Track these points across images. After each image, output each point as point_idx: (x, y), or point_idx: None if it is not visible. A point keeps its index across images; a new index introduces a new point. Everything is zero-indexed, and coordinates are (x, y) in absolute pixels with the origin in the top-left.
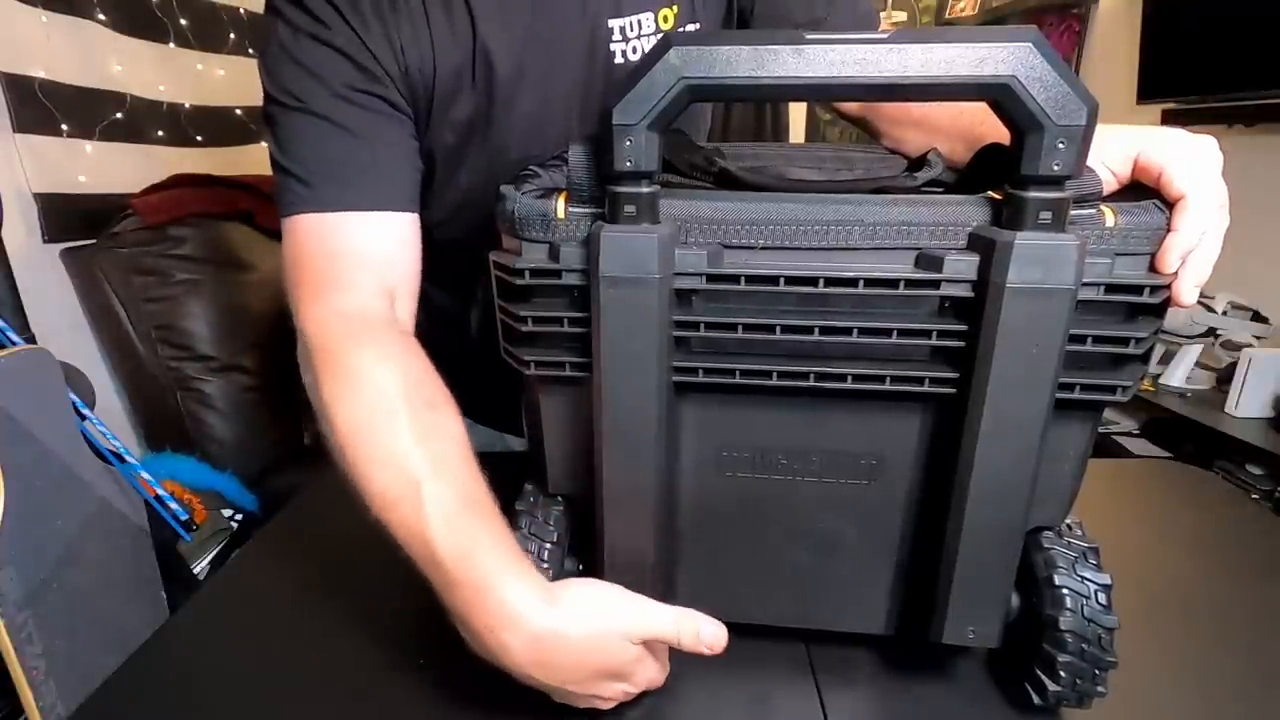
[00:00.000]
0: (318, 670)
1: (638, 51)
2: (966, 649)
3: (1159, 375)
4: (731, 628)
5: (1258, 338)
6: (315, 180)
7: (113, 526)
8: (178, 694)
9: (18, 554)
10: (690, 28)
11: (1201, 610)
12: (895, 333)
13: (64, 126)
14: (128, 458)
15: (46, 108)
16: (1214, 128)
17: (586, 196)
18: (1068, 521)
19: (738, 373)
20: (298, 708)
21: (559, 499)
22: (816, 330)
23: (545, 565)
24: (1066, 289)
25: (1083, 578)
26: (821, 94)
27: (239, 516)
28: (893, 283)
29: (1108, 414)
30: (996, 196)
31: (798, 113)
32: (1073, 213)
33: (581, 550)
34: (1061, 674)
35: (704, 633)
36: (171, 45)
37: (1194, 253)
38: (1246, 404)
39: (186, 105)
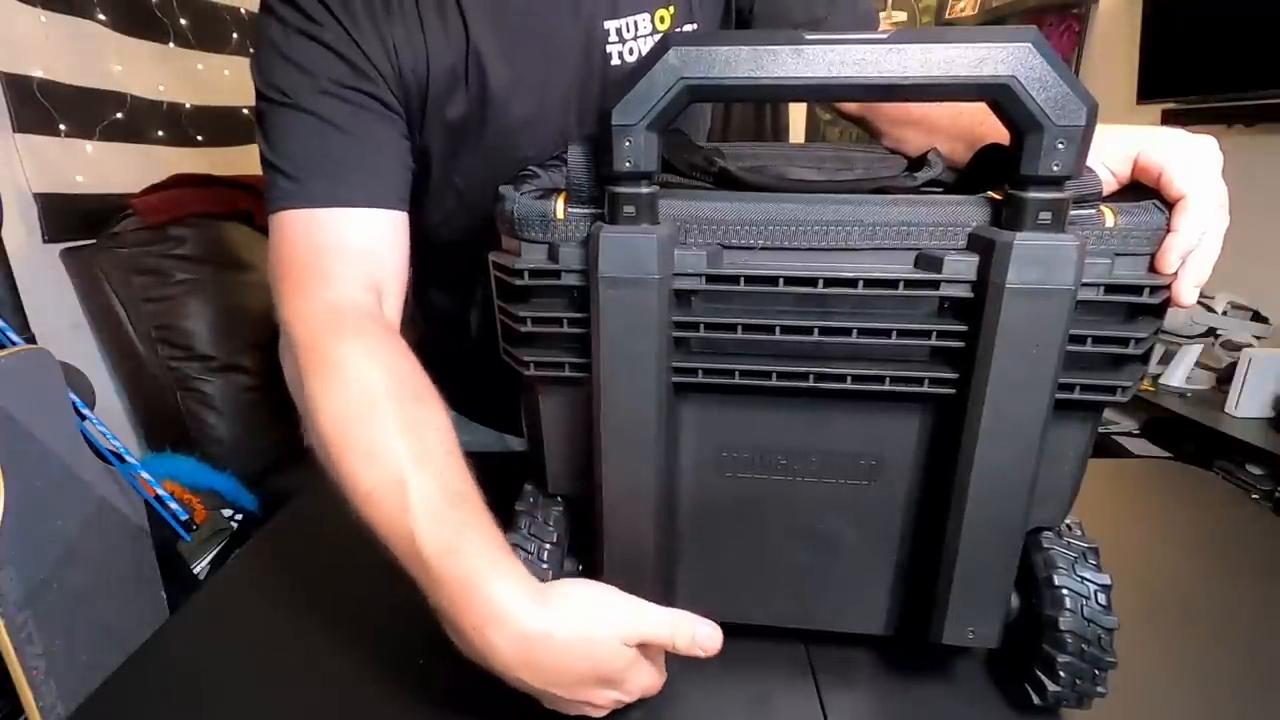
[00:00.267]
0: (318, 670)
1: (634, 53)
2: (966, 649)
3: (1159, 375)
4: (731, 628)
5: (1258, 338)
6: (303, 175)
7: (113, 526)
8: (178, 694)
9: (18, 554)
10: (687, 28)
11: (1201, 610)
12: (895, 333)
13: (63, 126)
14: (128, 458)
15: (46, 108)
16: (1214, 128)
17: (586, 197)
18: (1067, 522)
19: (737, 373)
20: (298, 707)
21: (559, 499)
22: (816, 331)
23: (545, 565)
24: (1066, 289)
25: (1082, 578)
26: (821, 94)
27: (239, 516)
28: (892, 283)
29: (1108, 414)
30: (996, 197)
31: (798, 113)
32: (1072, 213)
33: (581, 550)
34: (1061, 674)
35: (700, 635)
36: (171, 45)
37: (1194, 253)
38: (1246, 404)
39: (186, 105)
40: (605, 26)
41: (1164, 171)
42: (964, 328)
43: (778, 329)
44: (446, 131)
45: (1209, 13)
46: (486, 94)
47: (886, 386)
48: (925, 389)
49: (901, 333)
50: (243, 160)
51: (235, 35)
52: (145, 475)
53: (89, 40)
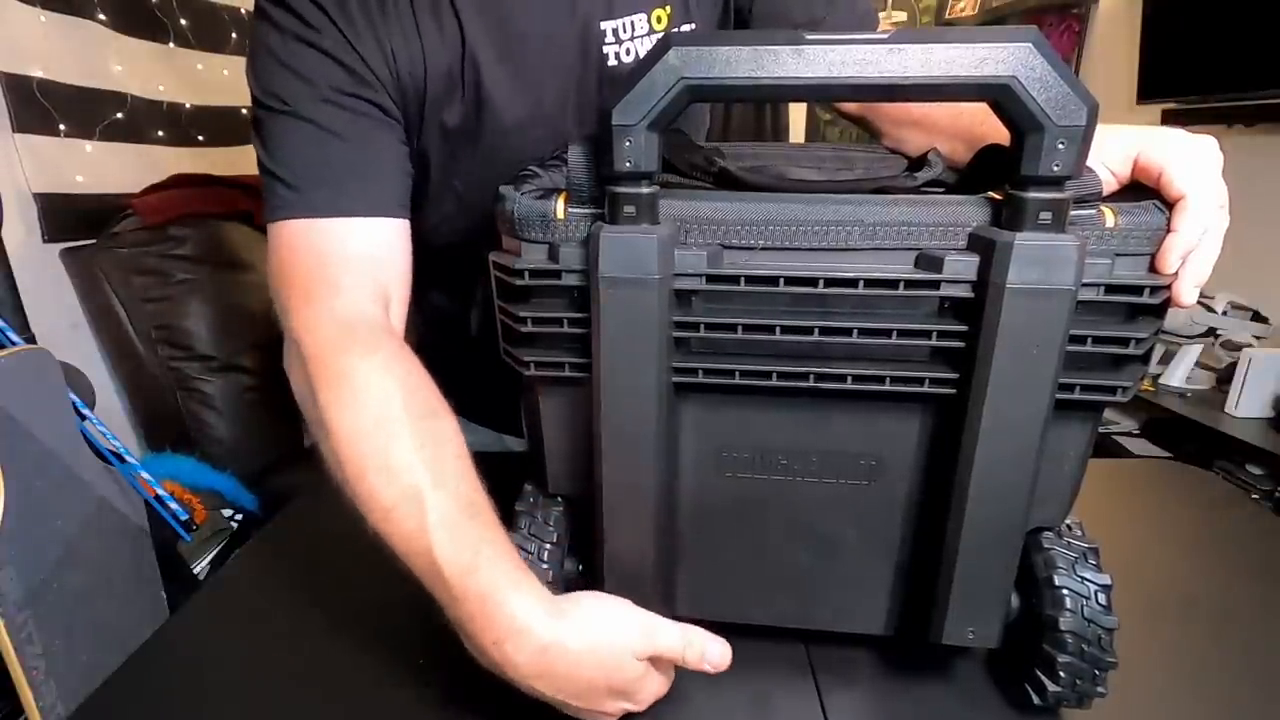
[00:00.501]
0: (318, 670)
1: (631, 53)
2: (966, 649)
3: (1159, 375)
4: (731, 628)
5: (1258, 338)
6: (303, 184)
7: (113, 526)
8: (178, 694)
9: (18, 554)
10: (685, 28)
11: (1201, 610)
12: (895, 333)
13: (63, 126)
14: (128, 458)
15: (46, 107)
16: (1214, 128)
17: (586, 197)
18: (1067, 522)
19: (737, 373)
20: (298, 707)
21: (559, 499)
22: (816, 331)
23: (545, 565)
24: (1066, 289)
25: (1082, 578)
26: (821, 94)
27: (239, 516)
28: (892, 283)
29: (1108, 414)
30: (996, 197)
31: (798, 113)
32: (1073, 213)
33: (581, 550)
34: (1061, 674)
35: (709, 652)
36: (171, 45)
37: (1194, 253)
38: (1246, 404)
39: (186, 105)
40: (602, 27)
41: (1164, 171)
42: (964, 328)
43: (778, 329)
44: (444, 134)
45: (1209, 13)
46: (483, 96)
47: (887, 386)
48: (925, 389)
49: (902, 333)
50: (243, 160)
51: (235, 35)
52: (145, 475)
53: (89, 40)
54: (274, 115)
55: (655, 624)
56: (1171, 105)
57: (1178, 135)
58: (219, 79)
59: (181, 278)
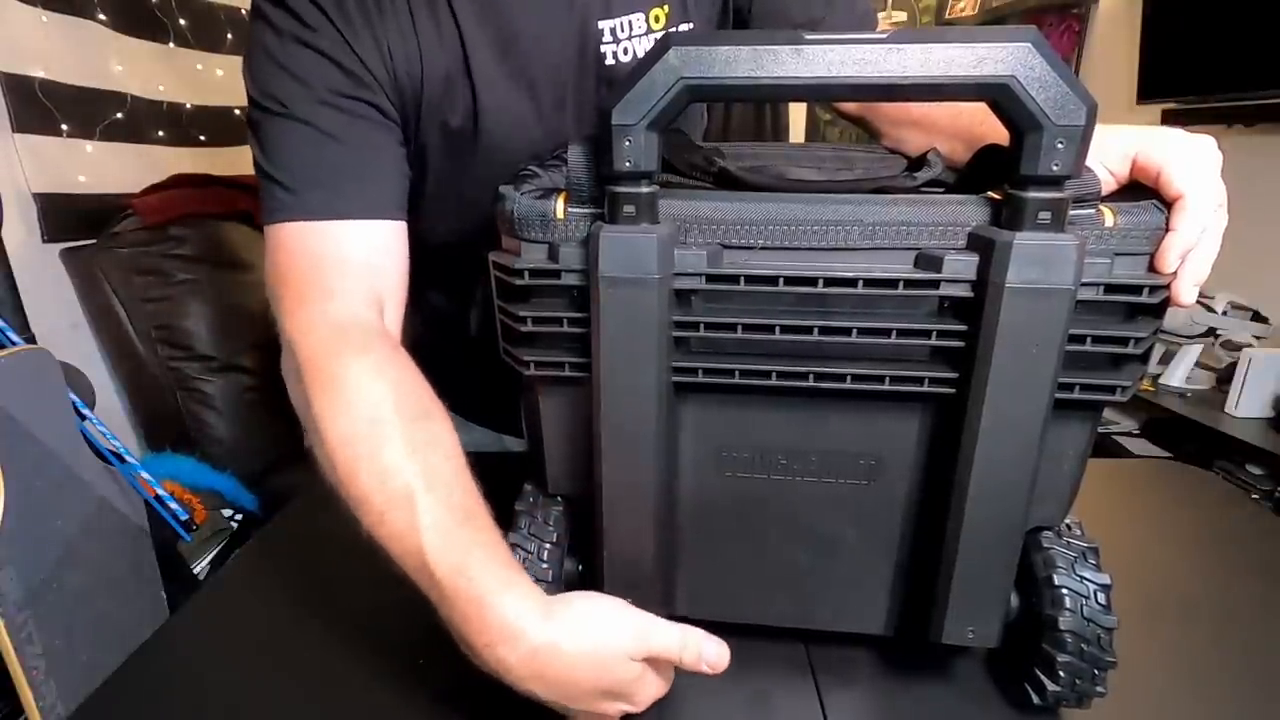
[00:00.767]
0: (317, 670)
1: (629, 53)
2: (966, 649)
3: (1159, 375)
4: (731, 628)
5: (1258, 338)
6: (300, 187)
7: (113, 526)
8: (178, 694)
9: (18, 554)
10: (683, 28)
11: (1201, 610)
12: (894, 333)
13: (64, 126)
14: (128, 458)
15: (46, 107)
16: (1214, 128)
17: (586, 196)
18: (1067, 521)
19: (737, 373)
20: (297, 707)
21: (559, 499)
22: (816, 330)
23: (545, 565)
24: (1066, 289)
25: (1082, 577)
26: (821, 94)
27: (239, 516)
28: (892, 283)
29: (1108, 414)
30: (996, 196)
31: (798, 113)
32: (1072, 212)
33: (581, 550)
34: (1061, 674)
35: (707, 652)
36: (171, 45)
37: (1193, 252)
38: (1246, 404)
39: (187, 105)
40: (599, 26)
41: (1163, 171)
42: (964, 327)
43: (777, 329)
44: (442, 133)
45: (1209, 13)
46: (481, 95)
47: (886, 386)
48: (925, 389)
49: (901, 332)
50: (243, 160)
51: (230, 36)
52: (145, 475)
53: (89, 40)
54: (271, 117)
55: (650, 624)
56: (1171, 105)
57: (1176, 135)
58: (219, 79)
59: (181, 278)
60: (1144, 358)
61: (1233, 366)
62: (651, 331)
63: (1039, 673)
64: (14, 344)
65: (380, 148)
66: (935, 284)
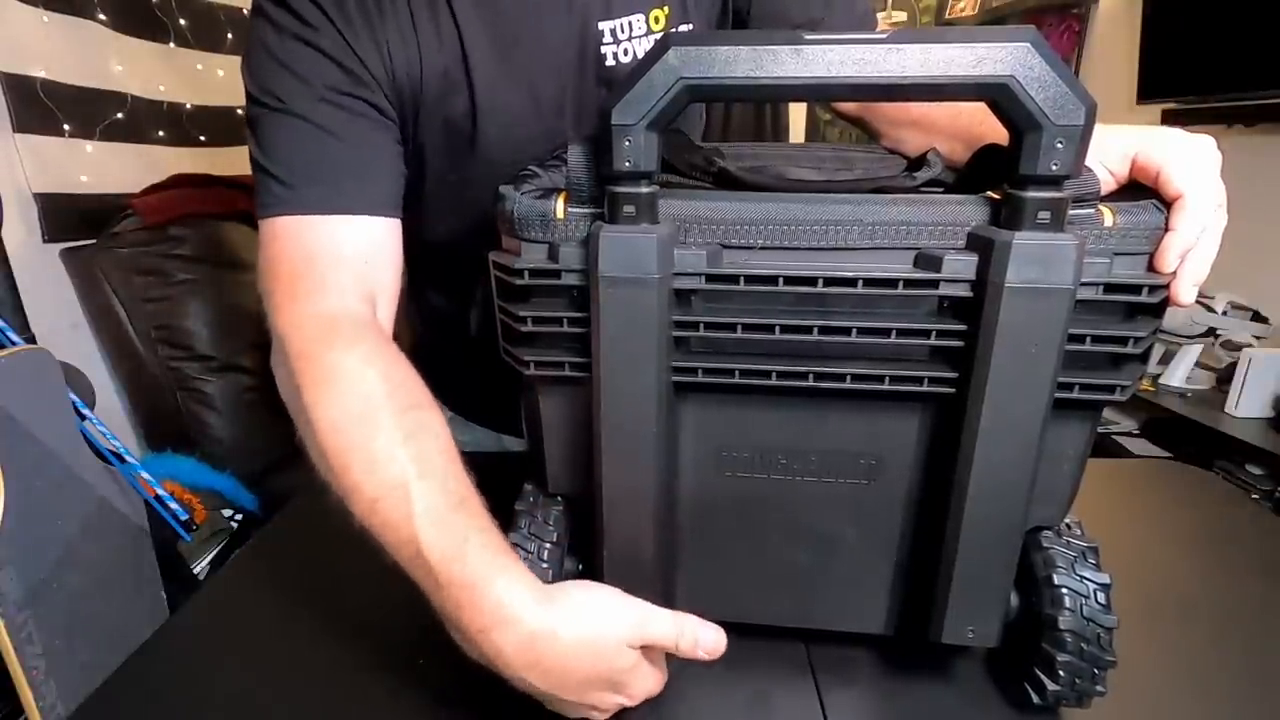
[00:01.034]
0: (317, 670)
1: (629, 53)
2: (966, 649)
3: (1159, 375)
4: (731, 628)
5: (1258, 338)
6: (296, 182)
7: (113, 526)
8: (177, 694)
9: (18, 554)
10: (683, 28)
11: (1201, 610)
12: (894, 332)
13: (65, 126)
14: (128, 458)
15: (47, 107)
16: (1214, 128)
17: (586, 196)
18: (1067, 521)
19: (737, 373)
20: (297, 707)
21: (559, 499)
22: (815, 330)
23: (545, 565)
24: (1065, 288)
25: (1082, 577)
26: (820, 94)
27: (239, 516)
28: (892, 282)
29: (1108, 414)
30: (995, 196)
31: (798, 113)
32: (1071, 212)
33: (581, 550)
34: (1061, 673)
35: (703, 639)
36: (171, 45)
37: (1192, 252)
38: (1246, 404)
39: (187, 105)
40: (599, 27)
41: (1162, 171)
42: (963, 327)
43: (777, 328)
44: (441, 133)
45: (1209, 13)
46: (480, 95)
47: (886, 386)
48: (925, 388)
49: (901, 332)
50: (243, 160)
51: (230, 36)
52: (145, 475)
53: (90, 40)
54: (269, 113)
55: (647, 612)
56: (1171, 105)
57: (1176, 135)
58: (219, 79)
59: (181, 278)
60: (1143, 357)
61: (1233, 366)
62: (651, 331)
63: (1039, 672)
64: (14, 344)
65: (377, 146)
66: (935, 284)
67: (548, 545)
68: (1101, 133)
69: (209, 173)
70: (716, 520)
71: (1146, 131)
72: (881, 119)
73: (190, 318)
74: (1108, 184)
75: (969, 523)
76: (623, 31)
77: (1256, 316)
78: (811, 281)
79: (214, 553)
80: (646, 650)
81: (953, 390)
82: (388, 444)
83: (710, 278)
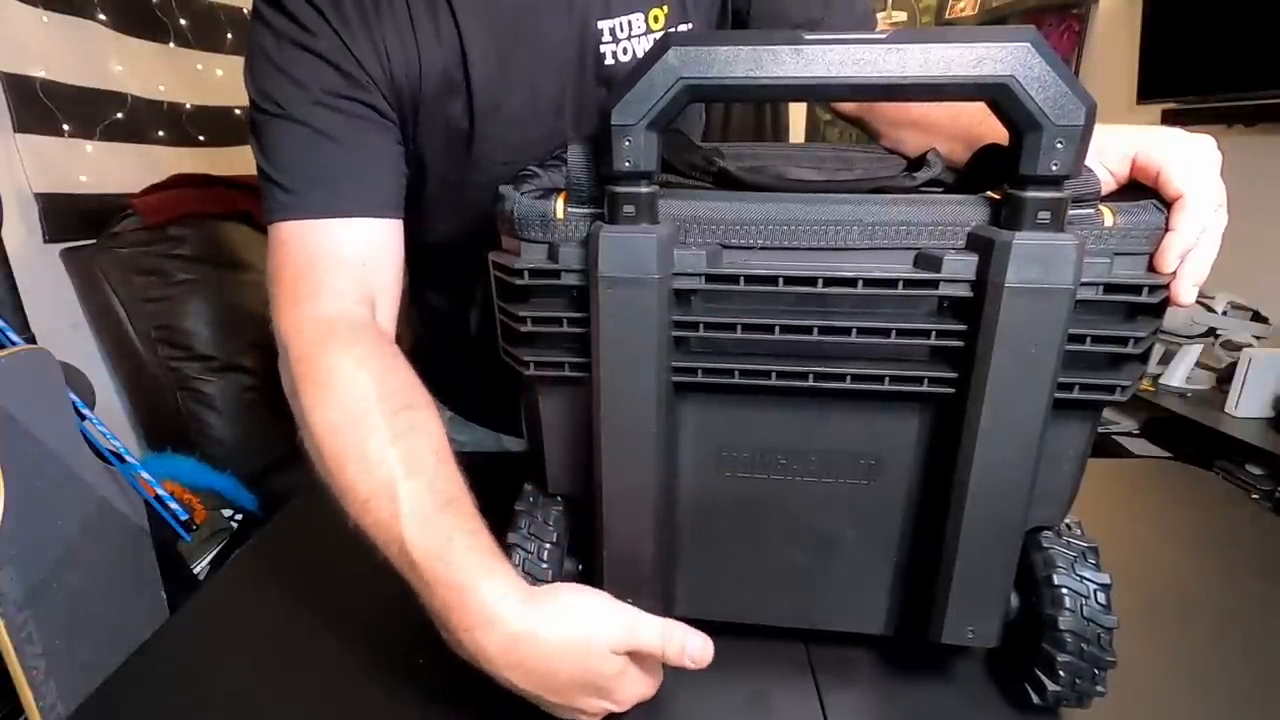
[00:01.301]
0: (317, 670)
1: (628, 52)
2: (966, 649)
3: (1159, 375)
4: (731, 628)
5: (1258, 338)
6: (298, 187)
7: (113, 526)
8: (178, 694)
9: (18, 554)
10: (682, 28)
11: (1201, 610)
12: (894, 332)
13: (65, 126)
14: (128, 458)
15: (47, 107)
16: (1214, 128)
17: (585, 197)
18: (1067, 521)
19: (737, 373)
20: (297, 707)
21: (558, 499)
22: (815, 330)
23: (545, 565)
24: (1065, 289)
25: (1082, 577)
26: (820, 94)
27: (239, 516)
28: (891, 282)
29: (1108, 414)
30: (995, 196)
31: (798, 113)
32: (1071, 212)
33: (581, 550)
34: (1061, 674)
35: (690, 646)
36: (171, 45)
37: (1192, 252)
38: (1246, 404)
39: (187, 105)
40: (599, 26)
41: (1162, 171)
42: (963, 327)
43: (777, 328)
44: (440, 133)
45: (1209, 13)
46: (479, 95)
47: (886, 386)
48: (925, 388)
49: (901, 332)
50: (243, 160)
51: (230, 36)
52: (145, 475)
53: (90, 40)
54: (270, 119)
55: (634, 618)
56: (1171, 105)
57: (1176, 135)
58: (219, 79)
59: (181, 278)
60: (1144, 357)
61: (1233, 366)
62: (651, 331)
63: (1039, 672)
64: (14, 344)
65: (377, 147)
66: (935, 284)
67: (547, 545)
68: (1101, 133)
69: (209, 173)
70: (716, 520)
71: (1146, 131)
72: (881, 119)
73: (190, 318)
74: (1108, 184)
75: (969, 523)
76: (622, 30)
77: (1256, 316)
78: (811, 281)
79: (214, 553)
80: (637, 656)
81: (953, 390)
82: (378, 445)
83: (710, 278)
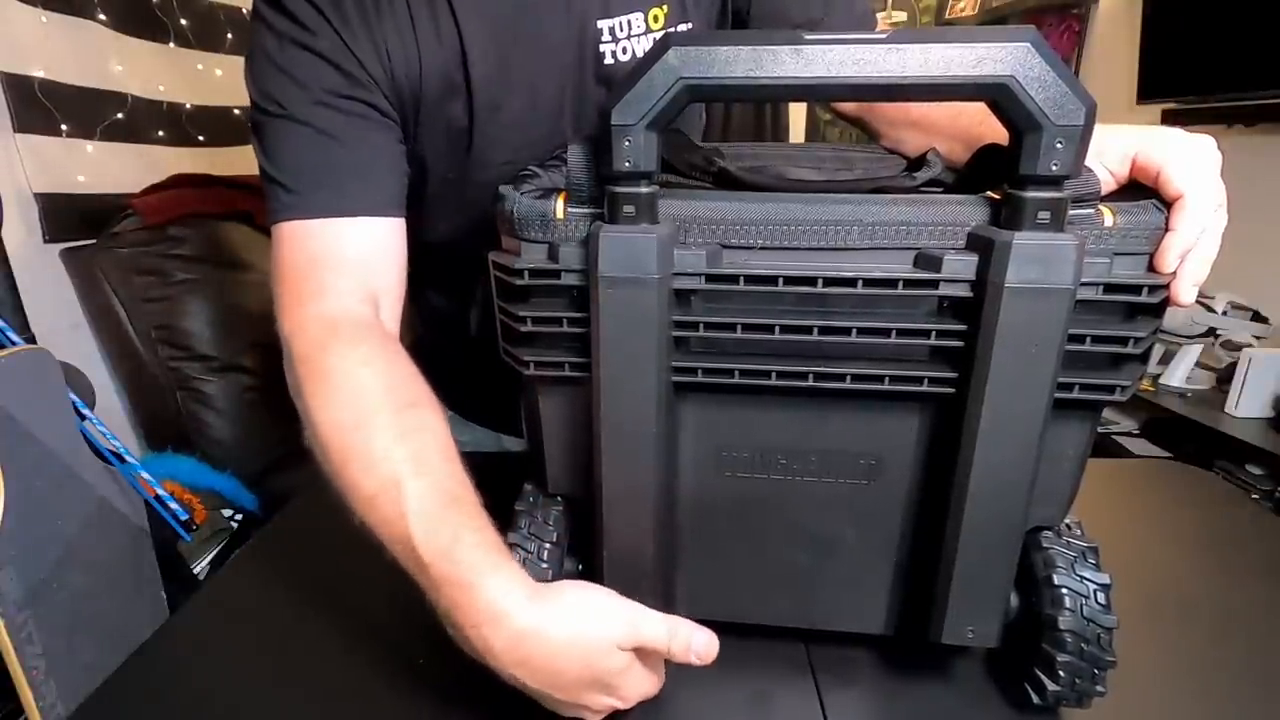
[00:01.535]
0: (317, 670)
1: (628, 52)
2: (966, 649)
3: (1159, 375)
4: (731, 628)
5: (1258, 338)
6: (300, 187)
7: (113, 526)
8: (178, 694)
9: (18, 554)
10: (682, 28)
11: (1201, 610)
12: (894, 332)
13: (64, 126)
14: (128, 458)
15: (47, 107)
16: (1214, 128)
17: (585, 196)
18: (1067, 521)
19: (737, 373)
20: (297, 707)
21: (559, 499)
22: (815, 330)
23: (545, 565)
24: (1065, 289)
25: (1082, 577)
26: (820, 94)
27: (239, 516)
28: (891, 282)
29: (1108, 414)
30: (995, 196)
31: (798, 113)
32: (1071, 212)
33: (581, 550)
34: (1061, 674)
35: (695, 643)
36: (171, 45)
37: (1192, 252)
38: (1246, 404)
39: (187, 105)
40: (598, 26)
41: (1162, 171)
42: (963, 327)
43: (777, 328)
44: (441, 132)
45: (1209, 13)
46: (479, 95)
47: (886, 386)
48: (925, 388)
49: (901, 332)
50: (243, 160)
51: (232, 35)
52: (145, 475)
53: (89, 40)
54: (271, 119)
55: (639, 614)
56: (1171, 105)
57: (1176, 135)
58: (219, 79)
59: (181, 278)
60: (1144, 357)
61: (1233, 366)
62: (651, 331)
63: (1039, 672)
64: (14, 344)
65: (378, 146)
66: (935, 284)
67: (548, 545)
68: (1101, 133)
69: (209, 173)
70: (716, 520)
71: (1146, 131)
72: (881, 119)
73: (190, 318)
74: (1108, 184)
75: (969, 523)
76: (621, 30)
77: (1256, 316)
78: (811, 281)
79: (214, 553)
80: (642, 653)
81: (953, 390)
82: (383, 443)
83: (710, 278)
